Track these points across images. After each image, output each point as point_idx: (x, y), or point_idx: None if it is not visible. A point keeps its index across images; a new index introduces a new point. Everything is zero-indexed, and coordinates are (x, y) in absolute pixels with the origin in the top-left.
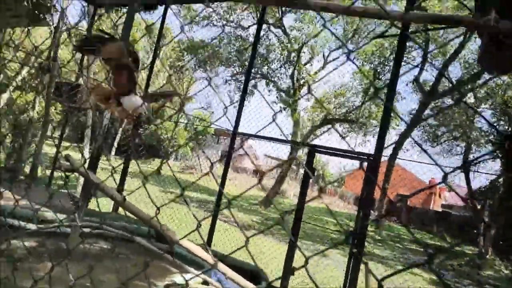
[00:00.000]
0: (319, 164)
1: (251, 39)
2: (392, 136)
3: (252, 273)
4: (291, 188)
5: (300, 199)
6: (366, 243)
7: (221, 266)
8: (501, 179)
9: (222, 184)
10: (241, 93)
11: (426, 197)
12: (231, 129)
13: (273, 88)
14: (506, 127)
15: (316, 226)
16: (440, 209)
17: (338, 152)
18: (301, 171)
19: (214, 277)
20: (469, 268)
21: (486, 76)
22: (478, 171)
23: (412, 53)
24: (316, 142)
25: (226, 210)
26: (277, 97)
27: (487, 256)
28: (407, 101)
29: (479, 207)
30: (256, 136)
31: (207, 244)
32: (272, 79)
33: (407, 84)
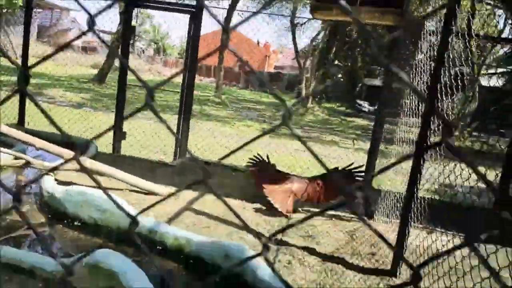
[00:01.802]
0: (158, 35)
1: None
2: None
3: (82, 145)
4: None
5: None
6: (206, 107)
7: (39, 141)
8: (320, 37)
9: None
10: None
11: (261, 60)
12: None
13: None
14: None
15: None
16: (273, 70)
17: (162, 6)
18: (138, 44)
19: (29, 154)
20: (295, 116)
21: None
22: (303, 32)
23: None
24: None
25: (51, 90)
26: None
27: (308, 105)
28: None
29: (303, 65)
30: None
31: (20, 124)
32: None
33: None
